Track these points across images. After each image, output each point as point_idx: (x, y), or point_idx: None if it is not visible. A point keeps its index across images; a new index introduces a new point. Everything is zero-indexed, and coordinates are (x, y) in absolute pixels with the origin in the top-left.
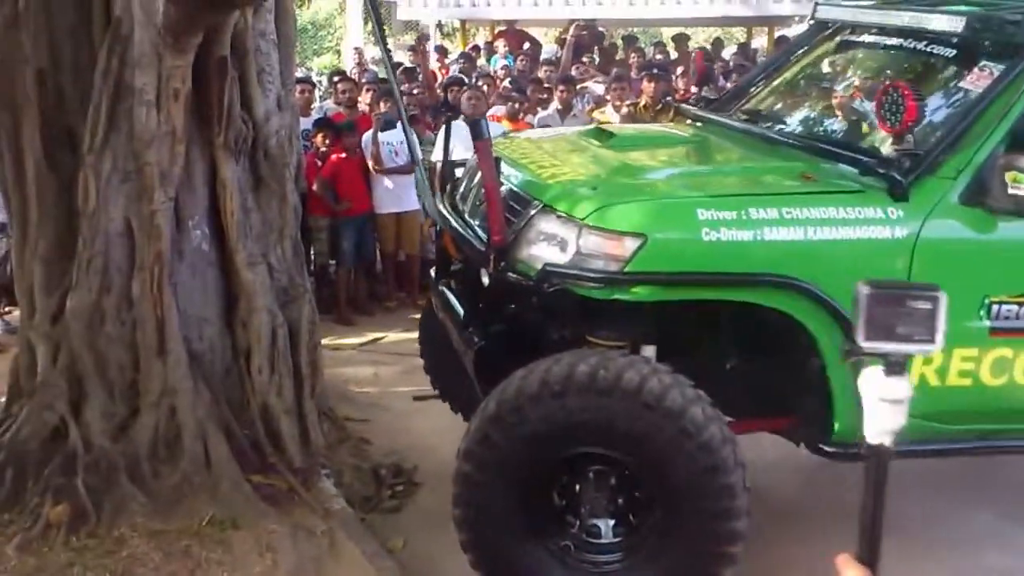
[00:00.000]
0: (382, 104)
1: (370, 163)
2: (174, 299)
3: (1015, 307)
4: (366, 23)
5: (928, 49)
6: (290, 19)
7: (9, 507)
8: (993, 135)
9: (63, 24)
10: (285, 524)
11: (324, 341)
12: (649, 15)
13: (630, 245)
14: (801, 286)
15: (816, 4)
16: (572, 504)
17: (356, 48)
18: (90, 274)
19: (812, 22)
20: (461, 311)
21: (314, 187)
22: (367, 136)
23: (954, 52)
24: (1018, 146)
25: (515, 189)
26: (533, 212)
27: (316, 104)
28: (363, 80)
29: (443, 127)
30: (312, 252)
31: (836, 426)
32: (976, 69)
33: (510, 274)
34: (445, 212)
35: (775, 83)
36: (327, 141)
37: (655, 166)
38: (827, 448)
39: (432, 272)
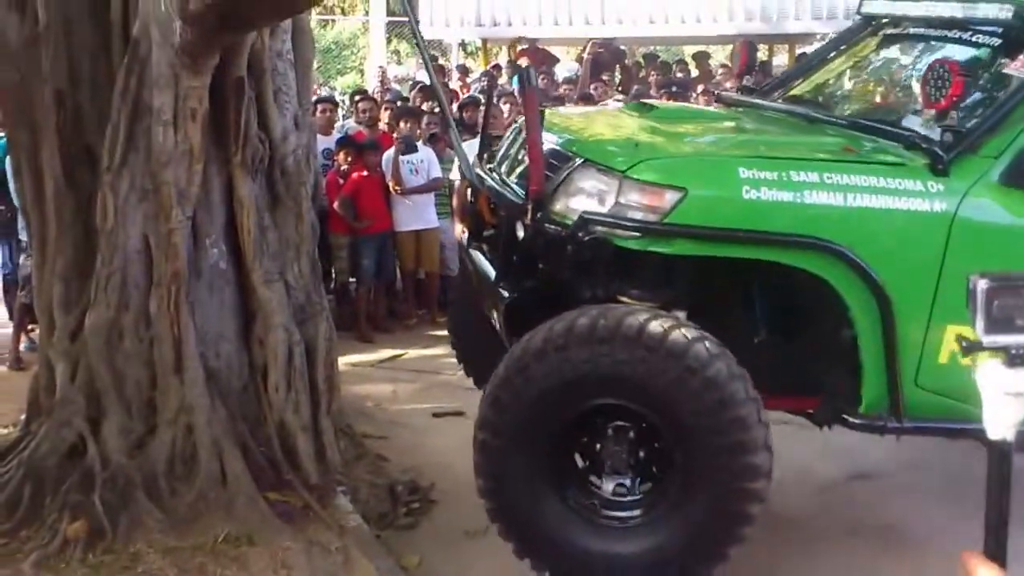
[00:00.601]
0: (402, 123)
1: (391, 184)
2: (191, 316)
3: None
4: (389, 42)
5: (974, 39)
6: (307, 39)
7: (27, 524)
8: None
9: (82, 44)
10: (300, 541)
11: (343, 358)
12: (669, 33)
13: (670, 198)
14: (838, 250)
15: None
16: (594, 463)
17: (380, 67)
18: (108, 291)
19: (858, 17)
20: (492, 272)
21: (335, 205)
22: (387, 155)
23: (1000, 41)
24: None
25: (556, 148)
26: (573, 166)
27: (339, 123)
28: (386, 99)
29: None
30: (333, 270)
31: (864, 397)
32: (1022, 56)
33: (547, 225)
34: (482, 172)
35: (818, 74)
36: (349, 159)
37: (696, 132)
38: (853, 420)
39: (464, 238)
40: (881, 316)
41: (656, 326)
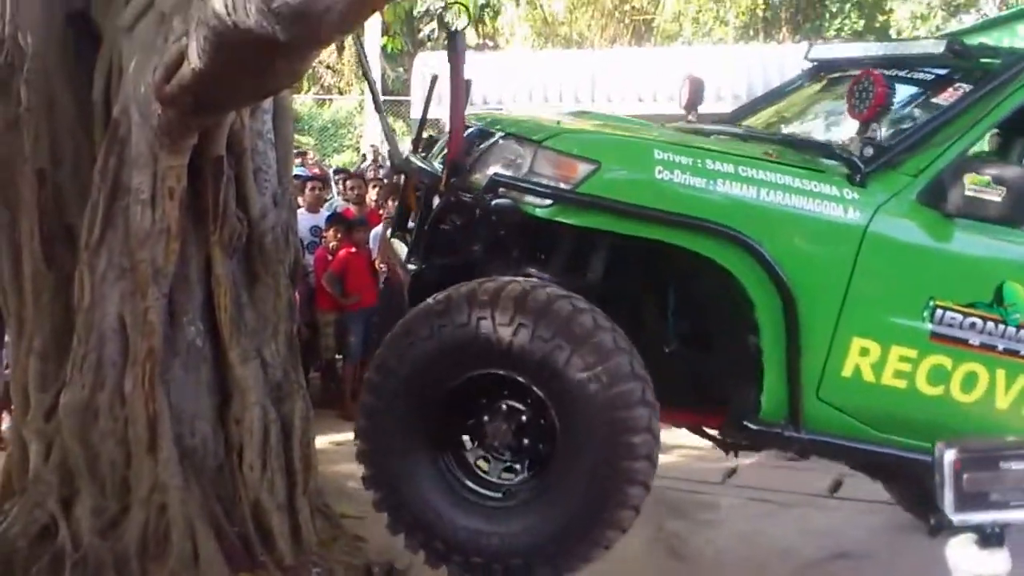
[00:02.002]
0: (391, 201)
1: (377, 261)
2: (166, 395)
3: (960, 316)
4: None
5: (908, 75)
6: (287, 119)
7: None
8: (958, 143)
9: (64, 124)
10: None
11: (327, 437)
12: (659, 111)
13: (583, 169)
14: (746, 241)
15: (809, 45)
16: (474, 438)
17: (372, 146)
18: (84, 370)
19: (806, 63)
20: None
21: (323, 281)
22: (375, 231)
23: (932, 76)
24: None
25: (481, 127)
26: (494, 139)
27: (329, 200)
28: (380, 175)
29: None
30: (319, 346)
31: (764, 403)
32: (950, 88)
33: (460, 192)
34: (409, 156)
35: (764, 112)
36: (338, 236)
37: (623, 127)
38: (751, 426)
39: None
40: (785, 317)
41: (541, 293)
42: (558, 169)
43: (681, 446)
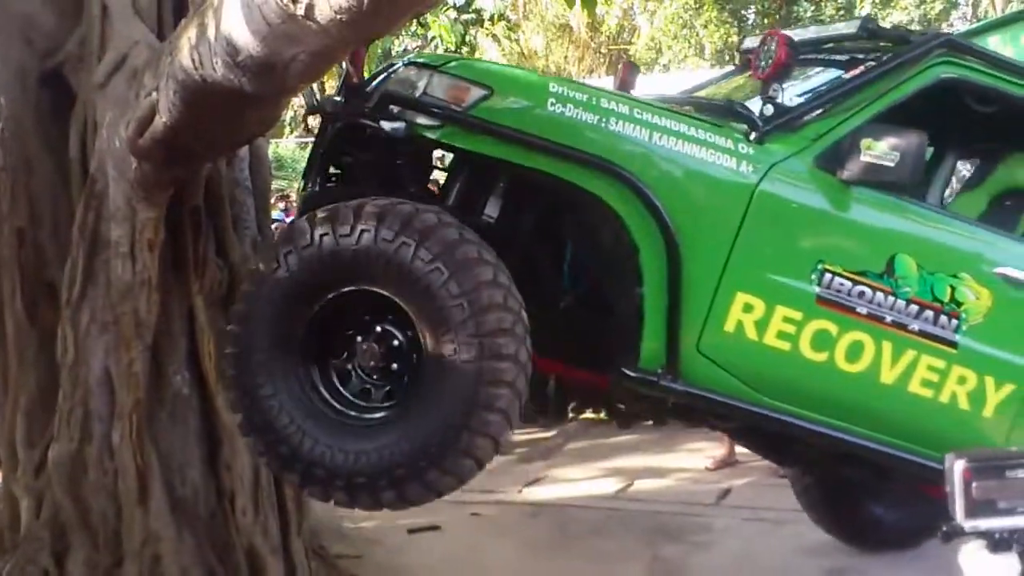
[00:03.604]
0: None
1: None
2: (155, 446)
3: (848, 283)
4: None
5: (826, 57)
6: (264, 166)
7: None
8: (860, 113)
9: (41, 183)
10: None
11: None
12: None
13: (475, 93)
14: (633, 182)
15: (742, 37)
16: (338, 353)
17: None
18: (71, 425)
19: (739, 53)
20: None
21: None
22: None
23: (847, 57)
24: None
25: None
26: (396, 66)
27: None
28: None
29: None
30: None
31: (643, 350)
32: (861, 66)
33: (354, 114)
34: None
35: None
36: None
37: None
38: (629, 373)
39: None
40: (668, 264)
41: (431, 216)
42: (451, 92)
43: (674, 469)
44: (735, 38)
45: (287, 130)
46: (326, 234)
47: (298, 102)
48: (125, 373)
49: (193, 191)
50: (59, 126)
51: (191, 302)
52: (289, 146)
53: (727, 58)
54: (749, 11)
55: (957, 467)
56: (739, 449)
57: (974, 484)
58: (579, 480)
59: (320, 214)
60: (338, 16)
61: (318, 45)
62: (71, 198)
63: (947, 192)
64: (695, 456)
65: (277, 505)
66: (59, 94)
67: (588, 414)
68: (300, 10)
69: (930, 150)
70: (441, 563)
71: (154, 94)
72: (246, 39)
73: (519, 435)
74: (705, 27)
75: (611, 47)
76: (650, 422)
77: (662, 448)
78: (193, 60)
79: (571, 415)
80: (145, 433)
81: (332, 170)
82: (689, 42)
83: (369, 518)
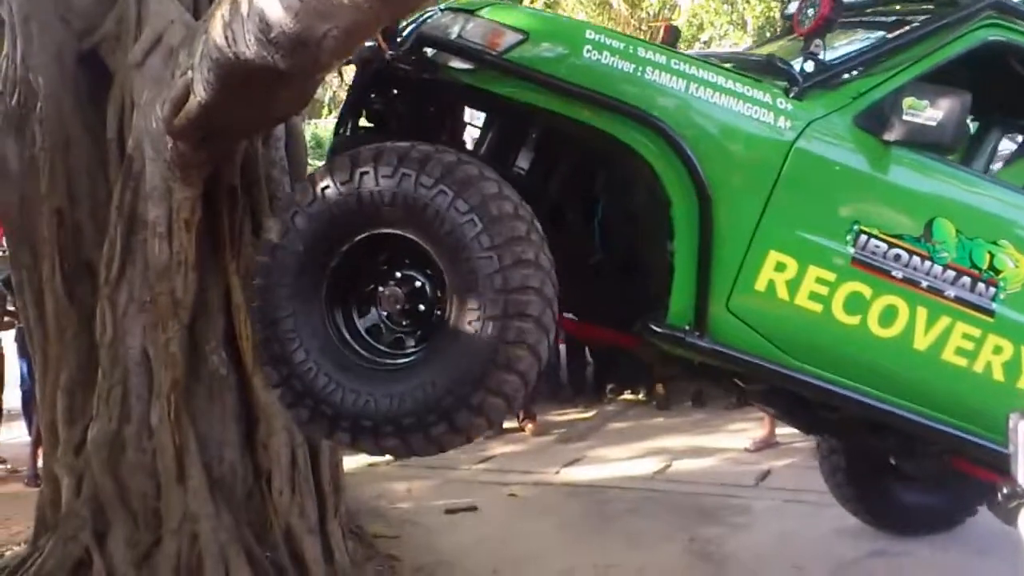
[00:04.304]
0: None
1: None
2: (192, 425)
3: (884, 246)
4: None
5: (871, 19)
6: (300, 145)
7: None
8: (902, 73)
9: (80, 163)
10: None
11: (359, 457)
12: None
13: (510, 38)
14: (667, 132)
15: (787, 2)
16: (370, 306)
17: None
18: (110, 404)
19: (782, 19)
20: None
21: None
22: None
23: (893, 18)
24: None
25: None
26: (432, 11)
27: None
28: None
29: None
30: None
31: (672, 305)
32: (906, 27)
33: (390, 55)
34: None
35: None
36: None
37: None
38: (656, 328)
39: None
40: (700, 218)
41: (451, 156)
42: (486, 36)
43: (714, 450)
44: (777, 12)
45: (325, 111)
46: (366, 172)
47: (336, 83)
48: (163, 352)
49: (229, 170)
50: (97, 106)
51: (228, 281)
52: (327, 127)
53: (769, 33)
54: None
55: (1021, 427)
56: (780, 430)
57: None
58: (617, 461)
59: (364, 152)
60: None
61: (350, 20)
62: (109, 178)
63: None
64: (735, 437)
65: (314, 485)
66: (96, 74)
67: (627, 395)
68: None
69: (976, 123)
70: (478, 543)
71: (189, 73)
72: (278, 15)
73: (557, 416)
74: (747, 1)
75: (652, 23)
76: (689, 403)
77: (701, 429)
78: (226, 38)
79: (609, 396)
80: (183, 412)
81: (364, 121)
82: (731, 17)
83: (407, 499)
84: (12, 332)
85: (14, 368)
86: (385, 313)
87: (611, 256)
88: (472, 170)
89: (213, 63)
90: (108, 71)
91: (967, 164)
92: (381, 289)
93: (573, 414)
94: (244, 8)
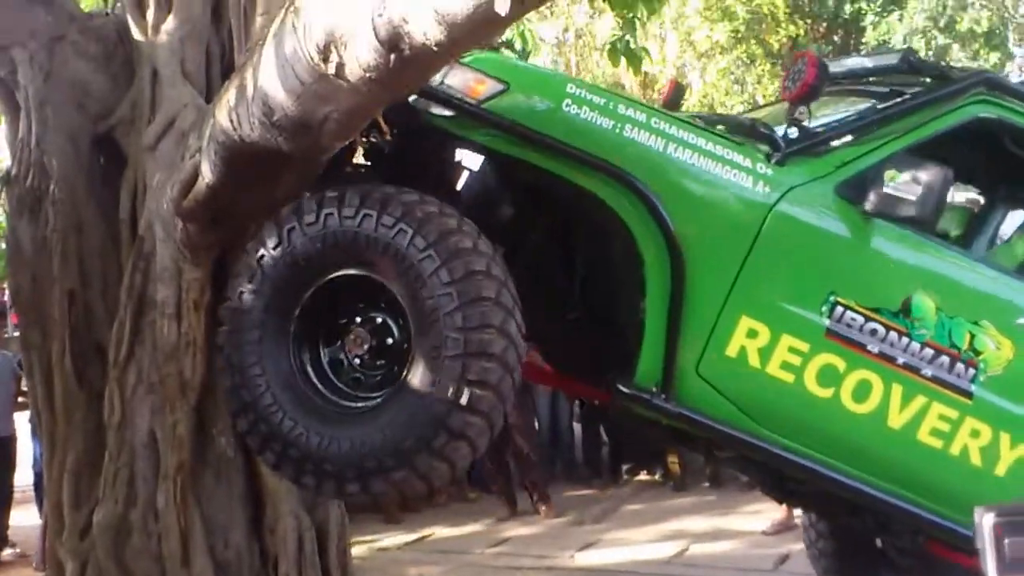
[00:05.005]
0: None
1: None
2: (199, 508)
3: (861, 319)
4: None
5: (864, 88)
6: None
7: None
8: (888, 145)
9: (92, 245)
10: None
11: (369, 543)
12: None
13: (490, 87)
14: (642, 190)
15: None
16: (338, 348)
17: None
18: (117, 486)
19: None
20: None
21: None
22: None
23: (887, 90)
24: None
25: None
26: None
27: None
28: None
29: None
30: None
31: (640, 365)
32: (898, 98)
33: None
34: None
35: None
36: None
37: None
38: (623, 389)
39: None
40: (672, 279)
41: (412, 196)
42: (467, 83)
43: (731, 533)
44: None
45: None
46: (331, 214)
47: None
48: (170, 434)
49: (239, 250)
50: (110, 189)
51: None
52: None
53: None
54: None
55: (987, 521)
56: (798, 512)
57: (1006, 540)
58: (634, 544)
59: (328, 194)
60: (367, 74)
61: (350, 103)
62: (121, 259)
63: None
64: (753, 519)
65: (322, 570)
66: (110, 157)
67: (643, 476)
68: (331, 69)
69: (981, 198)
70: None
71: (197, 155)
72: (281, 98)
73: (571, 496)
74: (758, 82)
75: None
76: (706, 483)
77: (719, 510)
78: (232, 121)
79: (625, 476)
80: (189, 495)
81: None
82: (742, 98)
83: None
84: (27, 413)
85: (27, 449)
86: (353, 355)
87: (589, 309)
88: (431, 208)
89: (219, 146)
90: (122, 154)
91: (970, 238)
92: (348, 332)
93: (588, 494)
94: (249, 92)
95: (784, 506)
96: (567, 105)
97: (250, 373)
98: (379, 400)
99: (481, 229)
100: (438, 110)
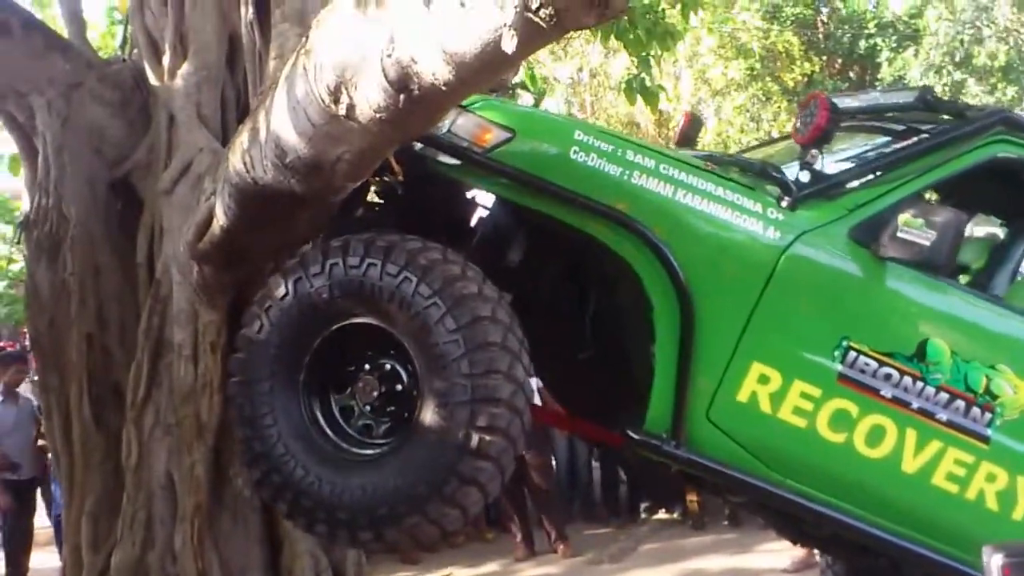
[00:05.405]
0: None
1: None
2: (216, 549)
3: (874, 364)
4: None
5: (881, 125)
6: None
7: None
8: (902, 187)
9: (109, 289)
10: None
11: None
12: None
13: (496, 135)
14: (650, 238)
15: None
16: (341, 391)
17: None
18: (134, 529)
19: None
20: None
21: None
22: None
23: (903, 127)
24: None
25: None
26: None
27: None
28: None
29: None
30: None
31: (650, 412)
32: (914, 137)
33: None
34: None
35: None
36: None
37: None
38: (633, 435)
39: None
40: (682, 325)
41: (415, 243)
42: (473, 132)
43: (751, 571)
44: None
45: None
46: (336, 263)
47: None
48: (187, 476)
49: (254, 293)
50: (127, 233)
51: None
52: None
53: None
54: None
55: (995, 562)
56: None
57: None
58: None
59: (333, 244)
60: (377, 115)
61: (362, 144)
62: (138, 303)
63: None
64: (773, 557)
65: None
66: (128, 201)
67: (661, 514)
68: (342, 110)
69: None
70: None
71: (212, 198)
72: (293, 140)
73: (589, 535)
74: (774, 119)
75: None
76: (725, 522)
77: (738, 549)
78: (245, 163)
79: (644, 515)
80: (207, 537)
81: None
82: (757, 136)
83: None
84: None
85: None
86: (363, 402)
87: (601, 351)
88: (435, 255)
89: (233, 188)
90: (139, 198)
91: (991, 274)
92: (357, 379)
93: (605, 534)
94: (262, 135)
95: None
96: (575, 152)
97: (262, 424)
98: (390, 447)
99: (492, 272)
100: (444, 158)
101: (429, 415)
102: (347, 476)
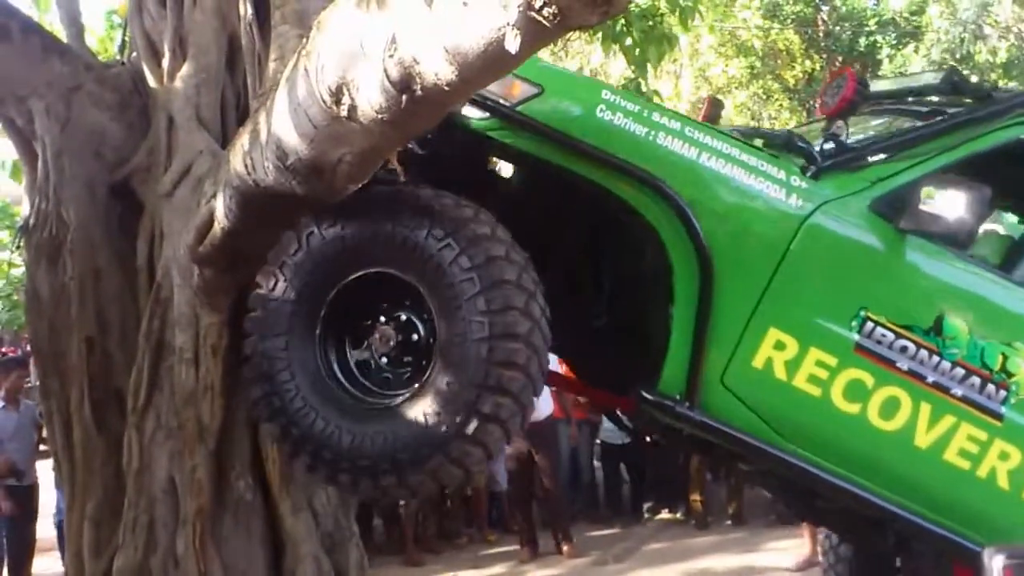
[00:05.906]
0: None
1: None
2: (218, 552)
3: (891, 335)
4: None
5: (906, 108)
6: None
7: None
8: (926, 163)
9: (110, 293)
10: None
11: None
12: None
13: (525, 90)
14: (674, 198)
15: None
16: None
17: None
18: (136, 533)
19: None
20: None
21: None
22: None
23: (927, 110)
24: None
25: None
26: None
27: None
28: None
29: None
30: None
31: (665, 371)
32: (937, 117)
33: None
34: None
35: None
36: None
37: None
38: (647, 396)
39: None
40: (700, 288)
41: (428, 192)
42: (502, 87)
43: (755, 570)
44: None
45: None
46: (348, 214)
47: None
48: (189, 479)
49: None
50: (127, 236)
51: None
52: None
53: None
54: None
55: (996, 563)
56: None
57: None
58: None
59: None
60: (379, 116)
61: (363, 145)
62: (139, 306)
63: None
64: (777, 556)
65: None
66: (128, 204)
67: (664, 514)
68: (343, 111)
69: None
70: None
71: (213, 201)
72: (294, 142)
73: (593, 536)
74: (775, 118)
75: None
76: (728, 521)
77: (742, 548)
78: (246, 165)
79: (647, 515)
80: (209, 540)
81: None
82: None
83: None
84: (50, 461)
85: (50, 498)
86: (380, 354)
87: (615, 318)
88: (447, 200)
89: (234, 190)
90: (139, 201)
91: (1012, 263)
92: (374, 331)
93: (609, 534)
94: (263, 136)
95: (809, 542)
96: (601, 110)
97: (280, 379)
98: (409, 394)
99: (512, 235)
100: (472, 111)
101: (448, 355)
102: (367, 425)
